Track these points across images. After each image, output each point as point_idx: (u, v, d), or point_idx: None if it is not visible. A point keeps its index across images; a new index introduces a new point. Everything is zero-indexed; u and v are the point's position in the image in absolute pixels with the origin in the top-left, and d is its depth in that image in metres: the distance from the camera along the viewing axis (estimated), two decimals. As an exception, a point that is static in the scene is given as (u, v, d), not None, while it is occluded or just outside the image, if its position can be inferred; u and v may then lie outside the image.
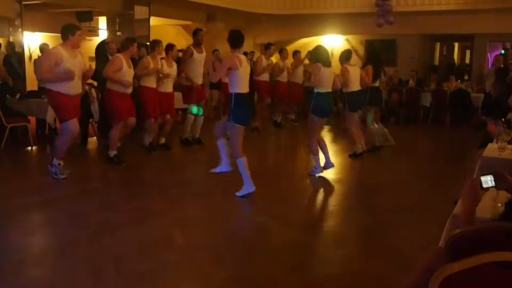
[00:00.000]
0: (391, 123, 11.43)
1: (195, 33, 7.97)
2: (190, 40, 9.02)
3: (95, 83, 8.10)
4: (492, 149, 4.22)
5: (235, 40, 5.24)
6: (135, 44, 6.80)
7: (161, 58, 7.47)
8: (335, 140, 9.35)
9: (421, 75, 13.63)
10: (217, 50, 11.12)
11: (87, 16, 11.61)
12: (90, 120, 8.24)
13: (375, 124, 8.22)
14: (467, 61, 15.98)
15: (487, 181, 2.18)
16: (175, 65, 7.71)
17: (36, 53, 10.08)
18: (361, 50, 9.73)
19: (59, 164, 5.88)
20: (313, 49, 6.56)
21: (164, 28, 13.84)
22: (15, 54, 9.37)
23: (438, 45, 16.20)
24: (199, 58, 7.81)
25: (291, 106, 11.40)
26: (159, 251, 3.85)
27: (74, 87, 5.78)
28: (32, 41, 12.10)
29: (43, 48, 8.93)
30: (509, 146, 4.08)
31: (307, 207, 5.53)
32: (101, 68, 6.92)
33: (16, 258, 3.63)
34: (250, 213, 5.15)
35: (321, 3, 14.11)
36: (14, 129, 7.96)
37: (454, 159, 8.07)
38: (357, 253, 3.97)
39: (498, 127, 4.19)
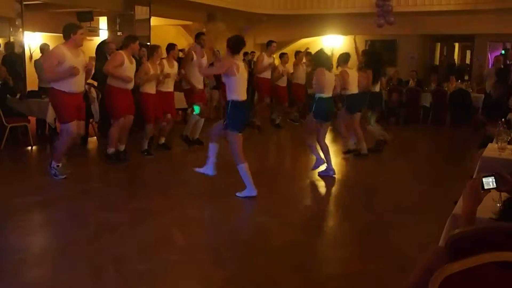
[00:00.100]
0: (391, 123, 11.44)
1: (197, 37, 7.97)
2: (191, 40, 9.05)
3: (95, 83, 8.10)
4: (492, 149, 4.23)
5: (236, 45, 5.20)
6: (137, 42, 6.79)
7: (162, 58, 7.48)
8: (335, 140, 9.34)
9: (421, 75, 13.64)
10: (217, 50, 11.12)
11: (88, 16, 11.61)
12: (90, 120, 8.24)
13: (373, 124, 8.22)
14: (468, 61, 15.99)
15: (489, 182, 2.18)
16: (176, 65, 7.72)
17: (37, 53, 10.08)
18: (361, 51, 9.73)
19: (57, 165, 5.88)
20: (315, 54, 6.55)
21: (164, 28, 13.84)
22: (14, 54, 9.37)
23: (438, 45, 16.21)
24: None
25: (295, 106, 11.37)
26: (159, 251, 3.85)
27: (77, 85, 5.76)
28: (33, 41, 12.11)
29: (43, 48, 8.94)
30: (509, 146, 4.08)
31: (307, 207, 5.54)
32: (101, 67, 6.91)
33: (16, 258, 3.63)
34: (250, 213, 5.15)
35: (322, 4, 14.11)
36: (14, 129, 7.96)
37: (454, 159, 8.07)
38: (357, 253, 3.97)
39: (498, 127, 4.19)
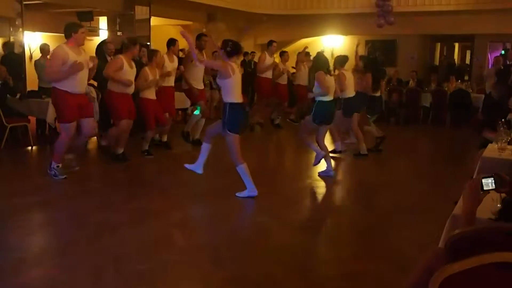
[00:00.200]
0: (391, 124, 11.45)
1: (198, 38, 7.98)
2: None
3: (95, 83, 8.10)
4: (492, 150, 4.23)
5: (233, 50, 5.23)
6: (137, 46, 6.82)
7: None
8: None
9: (421, 75, 13.63)
10: (216, 51, 11.11)
11: (88, 16, 11.61)
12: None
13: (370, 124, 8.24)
14: (468, 61, 15.98)
15: (488, 183, 2.19)
16: (176, 59, 7.80)
17: (37, 53, 10.08)
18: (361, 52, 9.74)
19: (57, 166, 5.88)
20: (314, 58, 6.55)
21: (164, 28, 13.84)
22: (13, 54, 9.37)
23: (438, 45, 16.20)
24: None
25: (295, 106, 11.36)
26: (159, 251, 3.85)
27: (80, 85, 5.76)
28: (33, 41, 12.10)
29: (43, 48, 8.93)
30: (509, 146, 4.09)
31: (307, 207, 5.54)
32: (101, 67, 6.91)
33: (16, 258, 3.62)
34: (250, 213, 5.15)
35: (322, 4, 14.12)
36: (14, 129, 7.96)
37: (454, 159, 8.07)
38: (357, 253, 3.96)
39: (498, 127, 4.19)
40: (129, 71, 6.59)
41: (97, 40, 11.51)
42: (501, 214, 2.14)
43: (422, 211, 5.03)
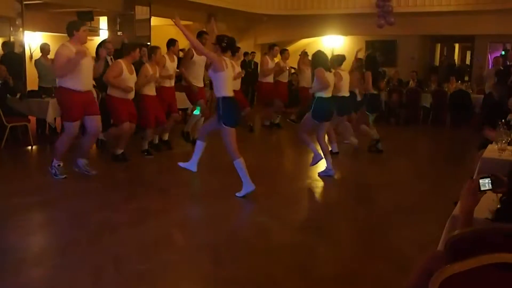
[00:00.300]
0: (391, 124, 11.45)
1: (199, 35, 7.98)
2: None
3: (95, 83, 8.09)
4: (492, 150, 4.23)
5: (228, 46, 5.30)
6: (137, 50, 6.82)
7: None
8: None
9: (422, 75, 13.64)
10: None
11: (88, 16, 11.62)
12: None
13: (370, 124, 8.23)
14: (468, 62, 15.99)
15: (485, 184, 2.22)
16: (176, 59, 7.84)
17: (37, 53, 10.08)
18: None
19: (58, 165, 5.88)
20: (313, 55, 6.55)
21: (164, 28, 13.84)
22: (13, 53, 9.37)
23: (438, 46, 16.21)
24: (200, 61, 7.79)
25: (295, 107, 11.36)
26: (159, 251, 3.85)
27: (85, 83, 5.76)
28: (33, 40, 12.11)
29: (43, 48, 8.93)
30: (509, 147, 4.09)
31: (307, 207, 5.54)
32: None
33: (16, 258, 3.63)
34: (250, 213, 5.15)
35: (322, 4, 14.12)
36: (14, 129, 7.97)
37: (454, 159, 8.08)
38: (357, 253, 3.97)
39: (498, 128, 4.19)
40: (128, 77, 6.59)
41: (97, 40, 11.52)
42: (499, 214, 2.15)
43: (422, 211, 5.04)
